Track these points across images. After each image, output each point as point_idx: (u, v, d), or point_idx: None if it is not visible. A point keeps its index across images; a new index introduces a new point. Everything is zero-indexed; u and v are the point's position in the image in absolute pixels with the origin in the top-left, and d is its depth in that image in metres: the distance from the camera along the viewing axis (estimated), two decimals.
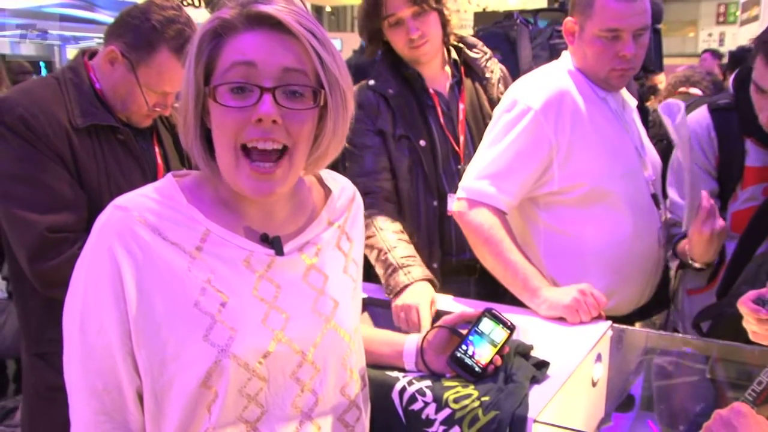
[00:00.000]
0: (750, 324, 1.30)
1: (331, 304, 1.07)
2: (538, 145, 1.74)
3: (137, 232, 0.96)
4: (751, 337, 1.34)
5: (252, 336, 0.97)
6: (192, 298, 0.96)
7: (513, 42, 2.71)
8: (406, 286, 1.69)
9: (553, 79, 1.82)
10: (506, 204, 1.75)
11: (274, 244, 1.03)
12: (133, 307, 0.94)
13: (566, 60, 1.89)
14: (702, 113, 1.96)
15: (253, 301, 0.99)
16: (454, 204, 1.82)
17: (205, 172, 1.03)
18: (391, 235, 1.82)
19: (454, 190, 1.93)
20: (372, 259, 1.81)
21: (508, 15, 2.90)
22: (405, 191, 1.96)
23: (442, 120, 2.01)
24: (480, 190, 1.75)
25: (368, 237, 1.82)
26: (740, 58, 4.72)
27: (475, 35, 2.81)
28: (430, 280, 1.73)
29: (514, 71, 2.40)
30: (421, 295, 1.66)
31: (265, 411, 1.00)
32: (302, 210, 1.10)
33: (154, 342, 0.95)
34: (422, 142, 1.95)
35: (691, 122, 1.95)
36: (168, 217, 0.98)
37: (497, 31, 2.79)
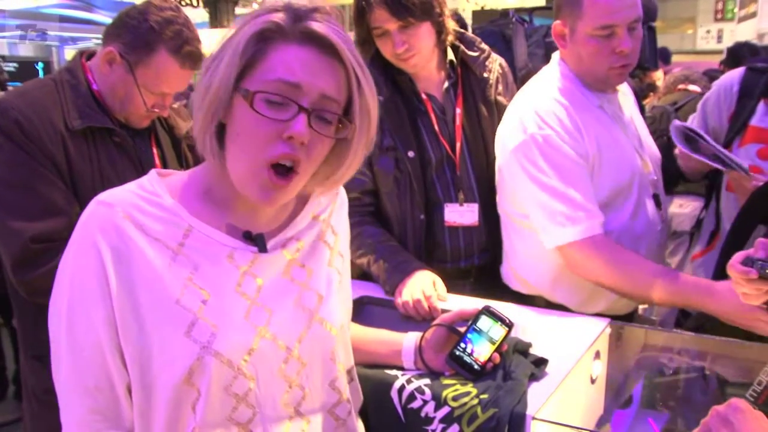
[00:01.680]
0: (740, 286, 1.29)
1: (316, 298, 1.07)
2: (576, 160, 1.67)
3: (121, 227, 0.96)
4: (743, 299, 1.33)
5: (235, 332, 0.98)
6: (174, 294, 0.96)
7: (509, 40, 2.70)
8: (403, 279, 1.68)
9: (548, 98, 1.74)
10: (597, 223, 1.65)
11: (257, 241, 1.04)
12: (118, 301, 0.95)
13: (556, 68, 1.82)
14: (738, 70, 2.03)
15: (235, 297, 1.00)
16: (569, 257, 1.68)
17: (211, 164, 1.01)
18: (380, 242, 1.82)
19: (450, 198, 1.91)
20: (365, 266, 1.80)
21: (504, 13, 2.91)
22: (390, 205, 1.91)
23: (436, 126, 1.92)
24: (566, 234, 1.64)
25: (359, 249, 1.81)
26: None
27: (473, 33, 2.81)
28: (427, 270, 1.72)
29: (511, 66, 2.39)
30: (421, 282, 1.65)
31: (257, 412, 1.00)
32: (286, 205, 1.11)
33: (139, 336, 0.95)
34: (411, 153, 1.87)
35: (723, 77, 2.06)
36: (151, 213, 0.98)
37: (493, 29, 2.79)
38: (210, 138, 0.98)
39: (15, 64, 7.95)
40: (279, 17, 0.94)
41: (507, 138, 1.78)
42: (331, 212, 1.16)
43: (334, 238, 1.15)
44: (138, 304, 0.95)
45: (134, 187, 1.02)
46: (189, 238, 0.99)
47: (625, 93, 1.93)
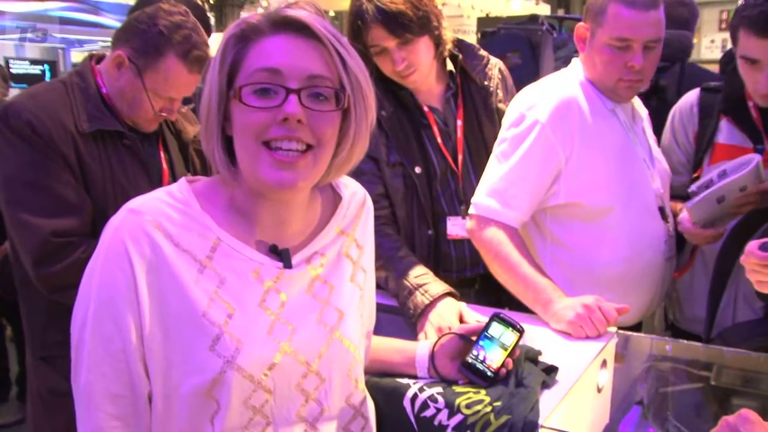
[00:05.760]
0: (757, 274, 1.28)
1: (336, 315, 1.07)
2: (546, 159, 1.72)
3: (152, 236, 0.96)
4: (758, 287, 1.32)
5: (258, 348, 0.98)
6: (201, 307, 0.96)
7: (535, 47, 2.63)
8: (427, 307, 1.60)
9: (560, 89, 1.78)
10: (516, 220, 1.73)
11: (282, 256, 1.03)
12: (147, 310, 0.95)
13: (576, 68, 1.86)
14: (694, 91, 2.06)
15: (259, 312, 1.00)
16: (467, 222, 1.79)
17: (224, 176, 1.01)
18: (399, 258, 1.77)
19: (454, 211, 1.91)
20: (382, 280, 1.74)
21: (533, 18, 2.81)
22: (400, 219, 1.90)
23: (439, 139, 1.91)
24: (489, 207, 1.73)
25: (377, 260, 1.77)
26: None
27: (497, 32, 2.73)
28: (450, 293, 1.65)
29: (534, 77, 2.29)
30: (447, 313, 1.58)
31: (270, 422, 1.00)
32: (312, 218, 1.10)
33: (164, 346, 0.95)
34: (417, 169, 1.86)
35: (682, 99, 2.08)
36: (181, 223, 0.98)
37: (519, 33, 2.71)
38: (218, 149, 0.98)
39: (26, 64, 7.98)
40: (255, 19, 0.97)
41: (505, 118, 1.83)
42: (356, 226, 1.15)
43: (358, 252, 1.14)
44: (166, 314, 0.95)
45: (164, 195, 1.01)
46: (216, 252, 0.99)
47: (639, 106, 1.94)
